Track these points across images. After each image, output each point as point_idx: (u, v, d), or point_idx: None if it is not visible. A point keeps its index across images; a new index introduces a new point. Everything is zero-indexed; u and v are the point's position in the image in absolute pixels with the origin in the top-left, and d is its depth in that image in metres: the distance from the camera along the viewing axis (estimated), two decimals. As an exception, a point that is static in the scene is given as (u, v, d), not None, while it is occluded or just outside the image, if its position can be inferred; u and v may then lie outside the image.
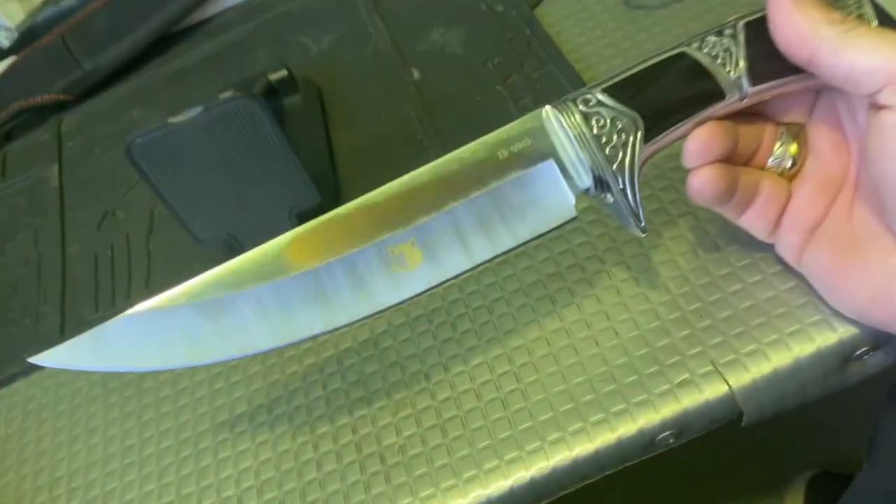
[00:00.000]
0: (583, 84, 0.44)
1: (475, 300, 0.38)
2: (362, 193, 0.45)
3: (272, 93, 0.47)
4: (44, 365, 0.31)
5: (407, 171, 0.45)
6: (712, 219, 0.37)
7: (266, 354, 0.40)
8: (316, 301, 0.30)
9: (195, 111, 0.35)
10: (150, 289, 0.44)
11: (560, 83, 0.44)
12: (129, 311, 0.30)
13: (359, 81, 0.50)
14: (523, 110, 0.44)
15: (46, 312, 0.45)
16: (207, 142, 0.36)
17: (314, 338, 0.31)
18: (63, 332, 0.44)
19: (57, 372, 0.43)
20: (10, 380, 0.43)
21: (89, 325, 0.43)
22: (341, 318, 0.30)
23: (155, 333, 0.30)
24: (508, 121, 0.45)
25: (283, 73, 0.47)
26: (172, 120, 0.35)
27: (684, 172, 0.38)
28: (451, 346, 0.37)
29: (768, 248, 0.35)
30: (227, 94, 0.42)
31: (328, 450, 0.36)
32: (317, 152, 0.46)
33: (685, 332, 0.34)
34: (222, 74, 0.54)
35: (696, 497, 0.83)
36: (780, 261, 0.34)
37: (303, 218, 0.41)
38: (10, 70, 0.56)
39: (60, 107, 0.56)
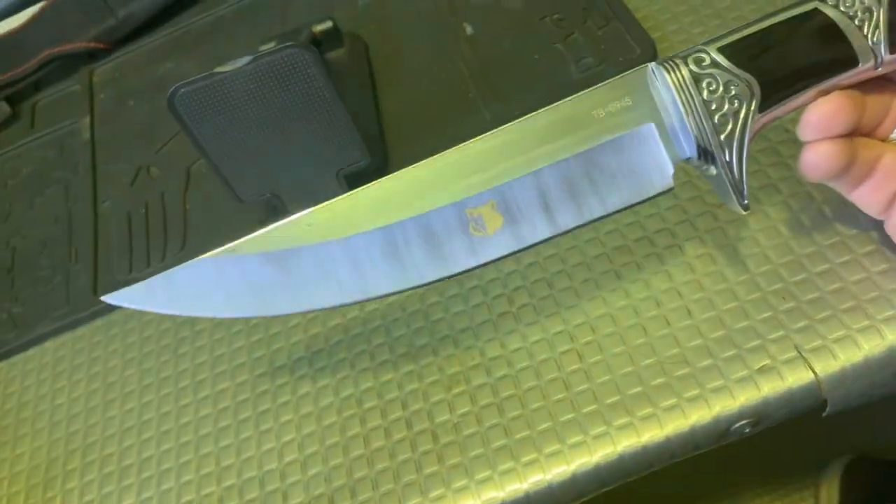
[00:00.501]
0: (651, 44, 0.41)
1: (534, 273, 0.36)
2: (411, 155, 0.42)
3: (316, 46, 0.44)
4: (115, 303, 0.31)
5: (458, 133, 0.42)
6: (796, 193, 0.34)
7: (309, 320, 0.38)
8: (387, 260, 0.29)
9: (243, 61, 0.33)
10: (187, 250, 0.42)
11: (626, 42, 0.41)
12: (202, 256, 0.30)
13: (408, 37, 0.47)
14: (585, 71, 0.42)
15: (78, 272, 0.43)
16: (255, 93, 0.34)
17: (382, 298, 0.30)
18: (95, 293, 0.42)
19: (90, 334, 0.41)
20: (40, 339, 0.42)
21: (123, 286, 0.42)
22: (412, 278, 0.29)
23: (224, 281, 0.29)
24: (568, 82, 0.42)
25: (329, 24, 0.44)
26: (219, 69, 0.33)
27: (765, 142, 0.36)
28: (507, 320, 0.35)
29: (858, 226, 0.32)
30: (270, 45, 0.39)
31: (376, 425, 0.34)
32: (363, 111, 0.43)
33: (766, 315, 0.31)
34: (260, 26, 0.51)
35: (725, 478, 0.81)
36: (872, 240, 0.32)
37: (350, 179, 0.39)
38: (40, 16, 0.54)
39: (92, 56, 0.54)
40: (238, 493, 0.34)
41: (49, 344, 0.42)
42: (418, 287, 0.29)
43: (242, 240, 0.29)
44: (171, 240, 0.43)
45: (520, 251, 0.29)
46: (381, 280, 0.29)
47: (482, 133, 0.41)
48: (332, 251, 0.29)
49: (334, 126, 0.36)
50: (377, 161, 0.40)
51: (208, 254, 0.30)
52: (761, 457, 0.79)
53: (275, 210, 0.40)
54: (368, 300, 0.30)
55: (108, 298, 0.30)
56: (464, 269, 0.29)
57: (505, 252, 0.29)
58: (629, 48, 0.41)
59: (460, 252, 0.29)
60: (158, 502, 0.35)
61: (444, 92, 0.44)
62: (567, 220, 0.29)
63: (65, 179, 0.48)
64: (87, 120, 0.50)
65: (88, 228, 0.45)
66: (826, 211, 0.33)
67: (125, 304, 0.30)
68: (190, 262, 0.30)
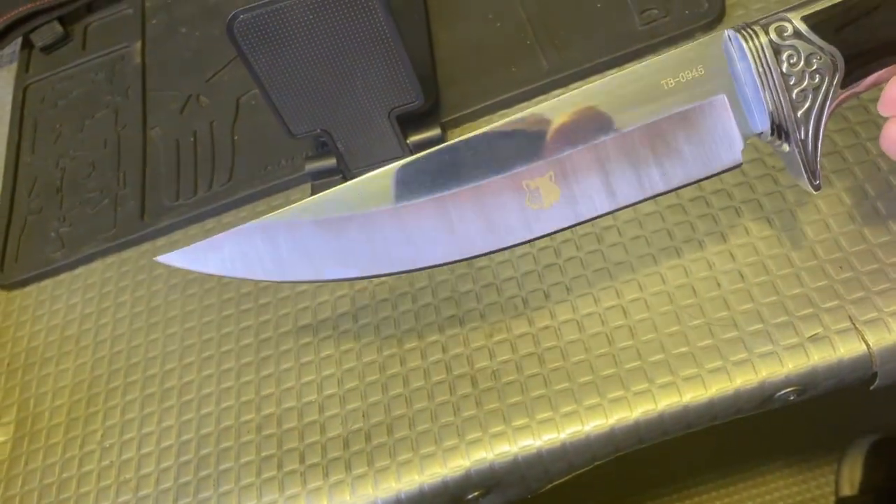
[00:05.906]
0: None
1: (582, 227, 0.35)
2: (463, 99, 0.42)
3: (374, -19, 0.43)
4: (168, 264, 0.31)
5: (514, 80, 0.41)
6: (861, 161, 0.33)
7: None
8: (439, 230, 0.28)
9: (304, -10, 0.32)
10: (234, 181, 0.42)
11: (695, -5, 0.40)
12: (255, 222, 0.29)
13: (466, -23, 0.46)
14: (648, 22, 0.40)
15: (125, 196, 0.44)
16: (314, 24, 0.33)
17: (432, 268, 0.30)
18: (143, 218, 0.42)
19: (136, 257, 0.42)
20: (88, 259, 0.42)
21: (169, 213, 0.42)
22: (465, 250, 0.28)
23: (275, 245, 0.29)
24: (630, 33, 0.41)
25: (388, -40, 0.43)
26: (279, -3, 0.32)
27: (843, 122, 0.35)
28: (553, 272, 0.35)
29: (927, 200, 0.31)
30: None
31: (416, 366, 0.34)
32: (418, 51, 0.42)
33: (821, 283, 0.31)
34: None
35: (744, 454, 0.80)
36: (940, 215, 0.31)
37: (402, 120, 0.38)
38: (94, -64, 0.53)
39: (144, -20, 0.53)
40: (276, 422, 0.34)
41: (96, 265, 0.42)
42: (470, 258, 0.29)
43: (296, 205, 0.29)
44: (219, 170, 0.43)
45: (575, 225, 0.29)
46: (433, 250, 0.29)
47: (538, 81, 0.41)
48: (384, 220, 0.28)
49: (391, 63, 0.35)
50: (429, 103, 0.40)
51: (262, 219, 0.29)
52: (783, 430, 0.79)
53: (324, 147, 0.40)
54: (419, 270, 0.29)
55: (161, 259, 0.31)
56: (517, 241, 0.28)
57: (561, 226, 0.28)
58: (697, 1, 0.40)
59: (514, 224, 0.28)
60: (198, 425, 0.35)
61: (500, 37, 0.43)
62: (627, 196, 0.28)
63: (115, 104, 0.48)
64: (138, 45, 0.50)
65: (137, 154, 0.45)
66: (893, 181, 0.32)
67: (178, 265, 0.30)
68: (240, 227, 0.30)
